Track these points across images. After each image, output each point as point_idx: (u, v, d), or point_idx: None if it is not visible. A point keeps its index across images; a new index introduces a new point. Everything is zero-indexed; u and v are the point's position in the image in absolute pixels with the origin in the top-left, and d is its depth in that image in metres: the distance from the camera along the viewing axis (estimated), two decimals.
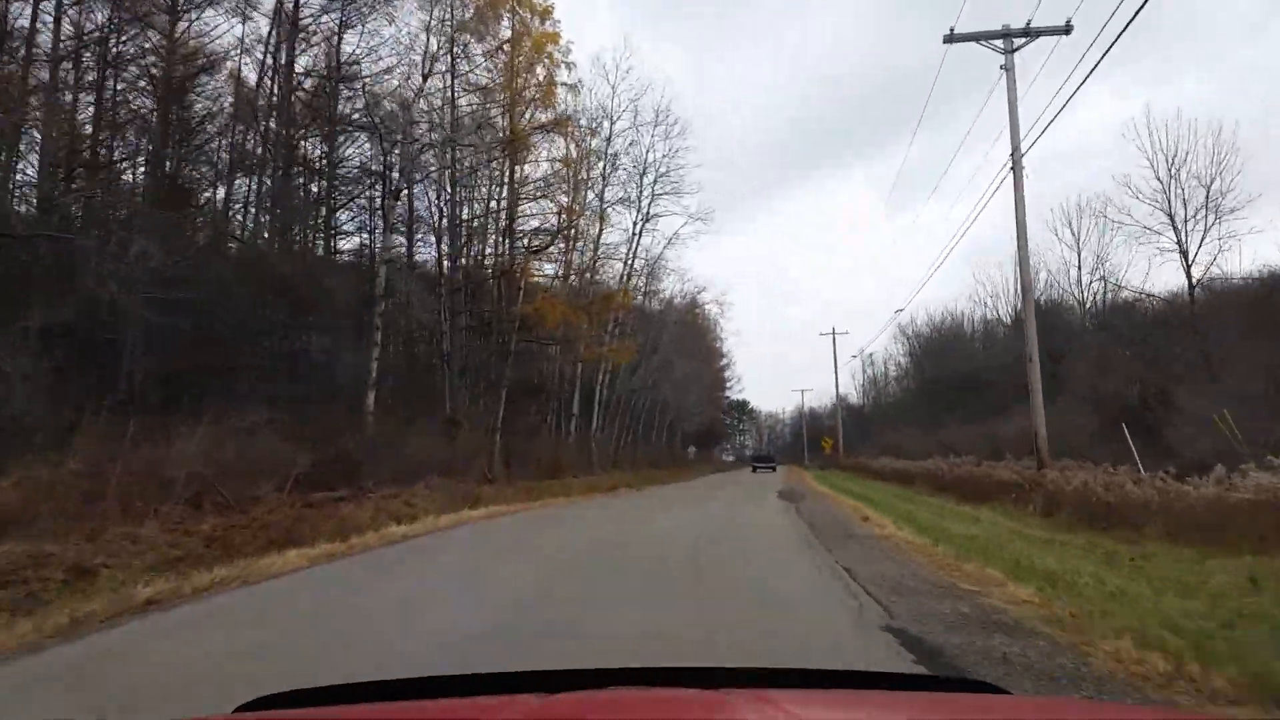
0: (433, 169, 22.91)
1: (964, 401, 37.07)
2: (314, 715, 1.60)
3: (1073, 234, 34.53)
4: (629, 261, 37.03)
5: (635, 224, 36.63)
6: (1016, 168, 16.38)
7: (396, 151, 21.01)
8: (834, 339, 58.69)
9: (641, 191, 35.90)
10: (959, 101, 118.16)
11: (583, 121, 30.04)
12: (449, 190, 24.82)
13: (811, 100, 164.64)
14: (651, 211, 36.30)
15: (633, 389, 40.67)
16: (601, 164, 32.84)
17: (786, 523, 14.23)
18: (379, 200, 23.48)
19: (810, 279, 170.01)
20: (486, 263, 28.51)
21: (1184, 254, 25.14)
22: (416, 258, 26.47)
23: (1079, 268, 34.38)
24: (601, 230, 33.96)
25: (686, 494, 25.71)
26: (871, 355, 69.45)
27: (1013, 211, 16.52)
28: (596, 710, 1.45)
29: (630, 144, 37.13)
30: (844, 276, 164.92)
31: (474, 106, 23.94)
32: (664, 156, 35.56)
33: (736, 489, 28.53)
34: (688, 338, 47.61)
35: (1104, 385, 23.63)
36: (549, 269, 30.97)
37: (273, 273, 18.46)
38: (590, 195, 32.52)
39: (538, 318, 25.66)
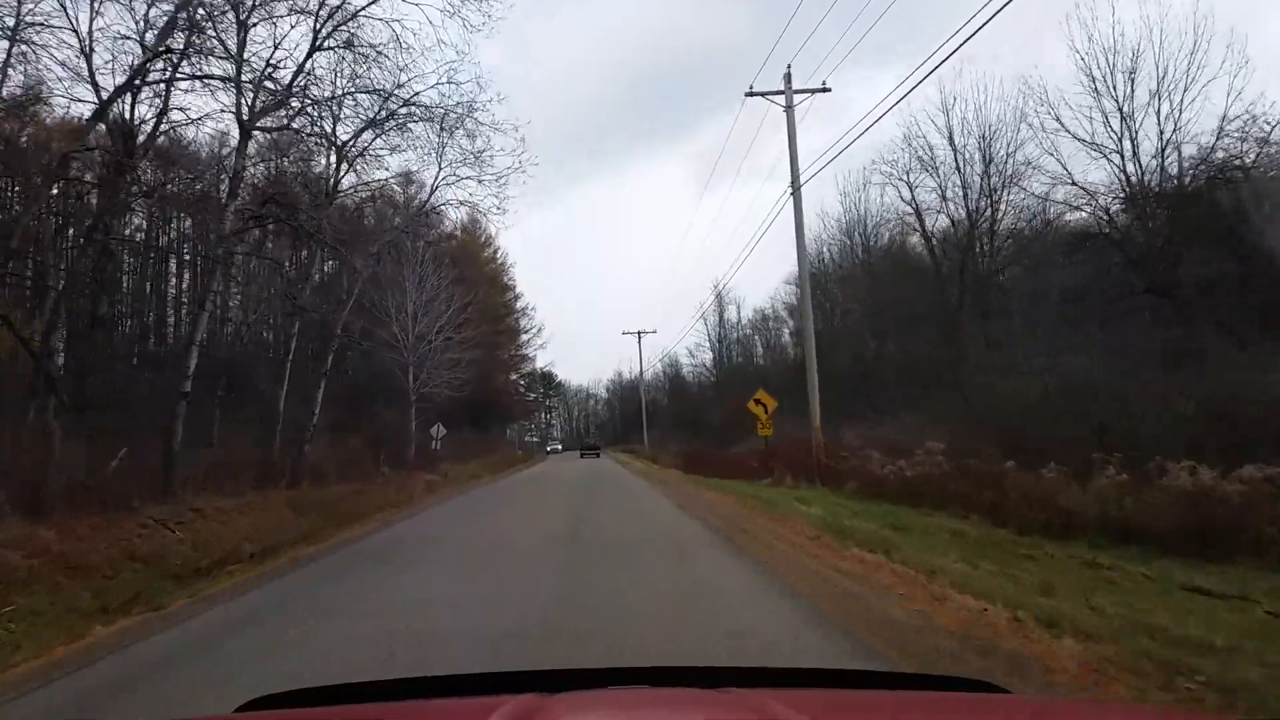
0: None
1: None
2: (314, 715, 1.59)
3: None
4: None
5: None
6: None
7: None
8: (790, 114, 20.27)
9: None
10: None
11: None
12: None
13: (614, 78, 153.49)
14: None
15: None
16: None
17: None
18: None
19: (621, 253, 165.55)
20: None
21: None
22: None
23: None
24: None
25: None
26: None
27: None
28: (597, 709, 1.48)
29: None
30: (656, 250, 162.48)
31: None
32: None
33: None
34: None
35: None
36: None
37: None
38: None
39: None
